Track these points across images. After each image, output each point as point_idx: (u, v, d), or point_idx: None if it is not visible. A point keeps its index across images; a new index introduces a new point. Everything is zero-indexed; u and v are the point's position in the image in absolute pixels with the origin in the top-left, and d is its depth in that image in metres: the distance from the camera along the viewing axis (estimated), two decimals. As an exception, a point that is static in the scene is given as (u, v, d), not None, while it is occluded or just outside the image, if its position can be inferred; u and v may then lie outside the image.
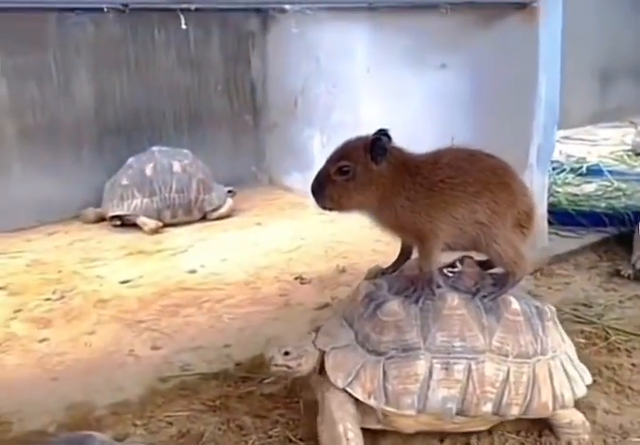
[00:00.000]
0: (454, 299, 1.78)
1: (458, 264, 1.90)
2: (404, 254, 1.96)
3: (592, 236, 3.41)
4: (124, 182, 3.80)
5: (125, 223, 3.82)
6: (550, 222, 3.34)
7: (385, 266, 2.00)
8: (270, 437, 1.90)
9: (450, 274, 1.88)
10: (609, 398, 2.09)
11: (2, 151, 3.73)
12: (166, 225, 3.80)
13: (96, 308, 2.75)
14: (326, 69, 4.12)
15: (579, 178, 4.39)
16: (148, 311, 2.72)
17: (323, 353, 1.83)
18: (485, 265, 1.93)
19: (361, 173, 1.77)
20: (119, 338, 2.49)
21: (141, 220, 3.75)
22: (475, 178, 1.79)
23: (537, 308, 1.89)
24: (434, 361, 1.73)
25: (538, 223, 3.13)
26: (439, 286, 1.82)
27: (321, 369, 1.84)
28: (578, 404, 1.97)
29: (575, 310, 2.67)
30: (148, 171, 3.80)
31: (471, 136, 3.21)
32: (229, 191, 4.10)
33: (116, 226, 3.82)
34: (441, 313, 1.76)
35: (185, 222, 3.88)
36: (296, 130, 4.38)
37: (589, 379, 1.91)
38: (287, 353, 1.83)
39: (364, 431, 1.78)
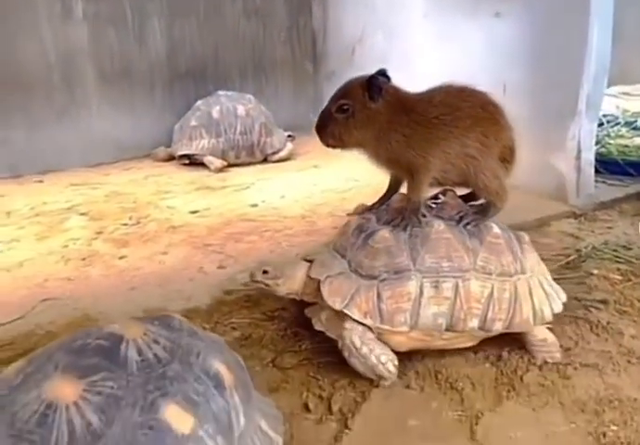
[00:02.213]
0: (440, 225, 1.89)
1: (441, 196, 2.01)
2: (391, 191, 2.07)
3: (638, 185, 3.48)
4: (193, 123, 4.06)
5: (193, 162, 4.10)
6: (598, 171, 3.42)
7: (369, 204, 2.10)
8: (319, 342, 2.10)
9: (433, 205, 1.98)
10: (637, 325, 2.21)
11: (83, 93, 4.05)
12: (230, 165, 4.06)
13: (167, 233, 3.04)
14: (382, 17, 4.23)
15: (632, 131, 4.37)
16: (215, 237, 2.99)
17: (317, 282, 1.95)
18: (466, 199, 2.04)
19: (359, 111, 1.86)
20: (189, 258, 2.76)
21: (207, 159, 4.02)
22: (466, 114, 1.89)
23: (514, 233, 2.02)
24: (424, 280, 1.85)
25: (584, 170, 3.27)
26: (424, 216, 1.93)
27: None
28: (607, 329, 2.14)
29: (615, 250, 2.78)
30: (215, 113, 4.04)
31: (523, 84, 3.33)
32: (289, 136, 4.30)
33: (184, 164, 4.11)
34: (428, 238, 1.88)
35: (248, 162, 4.14)
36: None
37: (564, 298, 2.04)
38: (265, 272, 2.00)
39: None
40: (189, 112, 4.13)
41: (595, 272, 2.59)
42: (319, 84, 4.86)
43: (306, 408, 1.80)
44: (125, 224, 3.14)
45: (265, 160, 4.19)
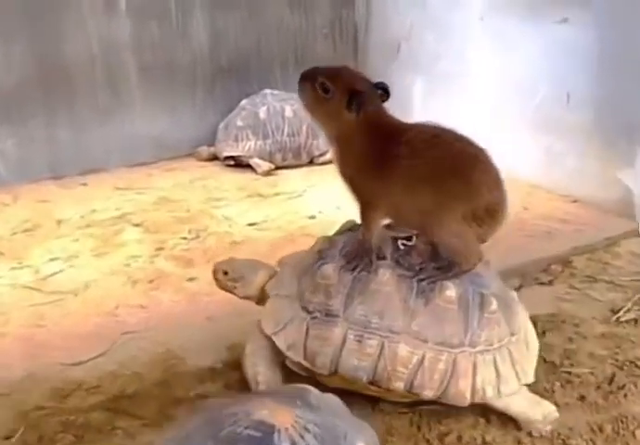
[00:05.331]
0: (384, 275, 1.76)
1: (414, 238, 1.84)
2: None
3: None
4: (239, 123, 3.90)
5: (238, 164, 3.95)
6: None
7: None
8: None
9: (402, 247, 1.83)
10: None
11: (126, 89, 3.88)
12: (276, 168, 3.92)
13: (231, 249, 2.89)
14: (434, 15, 4.05)
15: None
16: (280, 254, 2.83)
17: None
18: None
19: (334, 104, 1.73)
20: (261, 281, 2.64)
21: (254, 161, 3.87)
22: (427, 164, 1.69)
23: (482, 297, 1.79)
24: (349, 331, 1.77)
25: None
26: (384, 258, 1.80)
27: None
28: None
29: None
30: (262, 113, 3.89)
31: (589, 94, 3.22)
32: (333, 136, 4.16)
33: (229, 166, 3.96)
34: (368, 287, 1.77)
35: (294, 165, 3.99)
36: (397, 77, 4.33)
37: (528, 379, 1.84)
38: (225, 273, 2.00)
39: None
40: (234, 111, 3.97)
41: (677, 301, 2.51)
42: (362, 82, 4.68)
43: (420, 468, 1.74)
44: (185, 238, 3.01)
45: (311, 162, 4.04)
